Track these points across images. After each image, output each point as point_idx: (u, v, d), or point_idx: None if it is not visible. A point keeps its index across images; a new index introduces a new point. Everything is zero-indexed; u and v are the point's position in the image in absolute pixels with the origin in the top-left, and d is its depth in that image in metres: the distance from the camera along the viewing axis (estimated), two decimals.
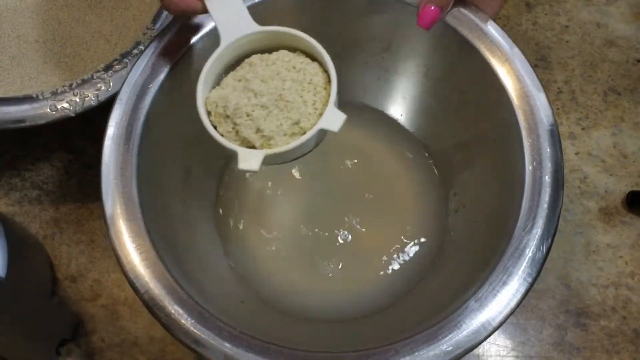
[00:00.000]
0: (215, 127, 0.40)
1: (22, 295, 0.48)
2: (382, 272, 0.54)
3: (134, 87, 0.45)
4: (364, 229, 0.56)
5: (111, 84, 0.52)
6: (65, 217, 0.59)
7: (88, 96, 0.51)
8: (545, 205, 0.42)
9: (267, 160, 0.39)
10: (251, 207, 0.57)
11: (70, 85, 0.52)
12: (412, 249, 0.55)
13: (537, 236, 0.42)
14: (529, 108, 0.44)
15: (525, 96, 0.44)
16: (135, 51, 0.52)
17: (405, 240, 0.55)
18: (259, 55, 0.41)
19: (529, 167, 0.43)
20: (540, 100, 0.44)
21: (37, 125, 0.51)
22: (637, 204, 0.60)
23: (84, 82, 0.52)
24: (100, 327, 0.56)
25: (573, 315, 0.57)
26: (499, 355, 0.56)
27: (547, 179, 0.43)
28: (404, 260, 0.55)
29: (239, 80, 0.41)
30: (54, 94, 0.52)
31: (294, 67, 0.40)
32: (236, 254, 0.55)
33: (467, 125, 0.52)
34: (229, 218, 0.56)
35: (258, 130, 0.39)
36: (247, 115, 0.39)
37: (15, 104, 0.52)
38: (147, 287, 0.40)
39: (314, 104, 0.39)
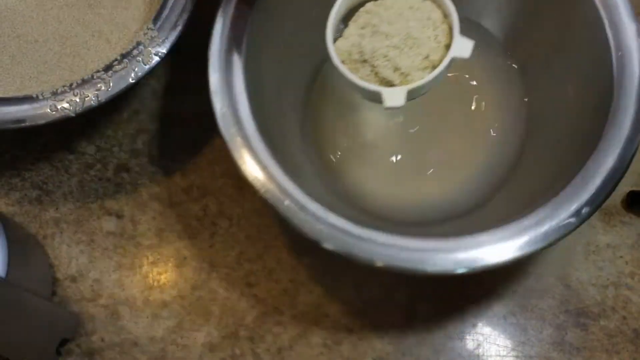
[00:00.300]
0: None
1: (22, 295, 0.48)
2: (469, 174, 0.57)
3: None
4: (449, 135, 0.58)
5: (111, 84, 0.52)
6: (65, 217, 0.59)
7: (88, 96, 0.51)
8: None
9: (409, 96, 0.42)
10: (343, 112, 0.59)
11: (70, 85, 0.52)
12: (496, 151, 0.57)
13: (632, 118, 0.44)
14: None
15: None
16: (135, 51, 0.52)
17: (488, 145, 0.57)
18: (372, 2, 0.45)
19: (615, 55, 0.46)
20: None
21: (37, 125, 0.51)
22: (637, 204, 0.60)
23: (84, 82, 0.52)
24: (100, 327, 0.56)
25: (573, 315, 0.57)
26: (499, 355, 0.56)
27: (636, 69, 0.46)
28: (489, 163, 0.57)
29: (363, 28, 0.44)
30: (54, 94, 0.52)
31: (411, 7, 0.43)
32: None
33: (550, 26, 0.54)
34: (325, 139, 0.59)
35: (396, 69, 0.43)
36: (384, 57, 0.42)
37: (15, 104, 0.52)
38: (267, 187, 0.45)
39: (436, 38, 0.43)
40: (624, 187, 0.61)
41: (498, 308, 0.57)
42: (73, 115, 0.51)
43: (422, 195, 0.57)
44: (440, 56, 0.43)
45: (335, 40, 0.44)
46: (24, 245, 0.55)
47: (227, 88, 0.48)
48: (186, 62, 0.65)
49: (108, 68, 0.52)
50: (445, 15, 0.44)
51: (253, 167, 0.46)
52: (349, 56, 0.44)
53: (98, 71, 0.52)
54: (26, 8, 0.58)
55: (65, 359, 0.55)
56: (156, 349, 0.55)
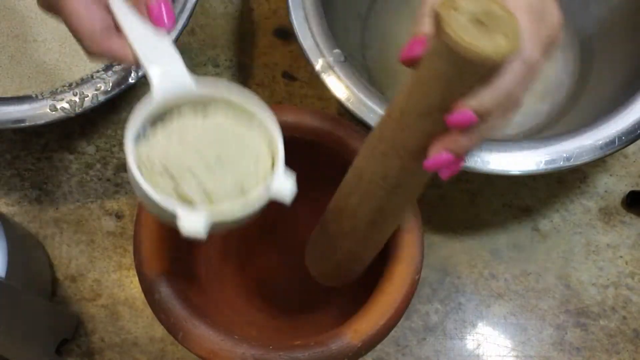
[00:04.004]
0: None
1: (22, 295, 0.48)
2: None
3: None
4: None
5: (111, 84, 0.52)
6: (65, 217, 0.59)
7: (88, 96, 0.51)
8: None
9: (213, 227, 0.34)
10: None
11: (70, 85, 0.52)
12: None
13: None
14: None
15: None
16: None
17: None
18: (192, 108, 0.37)
19: None
20: None
21: (37, 125, 0.51)
22: (637, 204, 0.60)
23: (83, 82, 0.52)
24: (100, 327, 0.56)
25: (573, 315, 0.57)
26: (499, 355, 0.56)
27: None
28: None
29: (170, 134, 0.36)
30: (54, 93, 0.51)
31: (233, 133, 0.37)
32: None
33: None
34: None
35: (202, 189, 0.35)
36: (190, 172, 0.35)
37: (14, 104, 0.51)
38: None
39: (255, 165, 0.36)
40: (624, 187, 0.61)
41: (498, 308, 0.57)
42: (73, 115, 0.51)
43: None
44: (256, 186, 0.36)
45: (137, 141, 0.36)
46: (24, 245, 0.55)
47: None
48: (186, 61, 0.65)
49: (108, 68, 0.52)
50: (273, 146, 0.37)
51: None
52: (151, 165, 0.35)
53: (98, 71, 0.52)
54: (25, 8, 0.58)
55: (65, 359, 0.55)
56: (156, 349, 0.55)
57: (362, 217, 0.40)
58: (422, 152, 0.34)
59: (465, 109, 0.31)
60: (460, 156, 0.33)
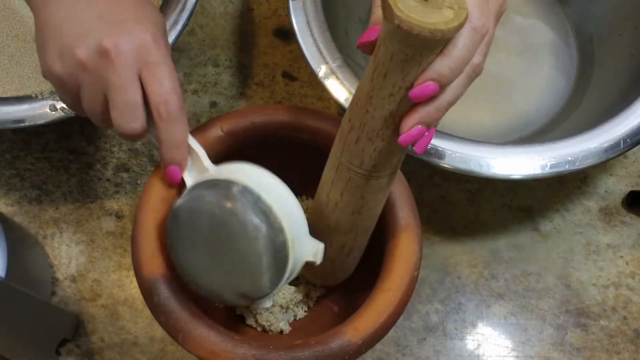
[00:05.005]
0: None
1: (22, 295, 0.48)
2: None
3: None
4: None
5: None
6: (65, 217, 0.59)
7: None
8: None
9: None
10: None
11: None
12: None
13: None
14: None
15: None
16: None
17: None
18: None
19: None
20: None
21: (37, 125, 0.51)
22: (637, 204, 0.60)
23: None
24: (100, 327, 0.56)
25: (573, 315, 0.57)
26: (499, 355, 0.56)
27: None
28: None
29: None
30: (54, 93, 0.51)
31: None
32: None
33: None
34: None
35: None
36: None
37: (14, 104, 0.51)
38: None
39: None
40: (624, 187, 0.61)
41: (498, 308, 0.57)
42: (73, 115, 0.51)
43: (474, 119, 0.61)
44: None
45: None
46: (24, 245, 0.55)
47: None
48: (186, 61, 0.65)
49: None
50: None
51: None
52: None
53: None
54: (25, 8, 0.58)
55: (65, 359, 0.55)
56: (156, 349, 0.55)
57: (344, 208, 0.41)
58: (392, 132, 0.36)
59: (425, 81, 0.34)
60: (430, 126, 0.36)
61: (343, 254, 0.45)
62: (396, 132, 0.36)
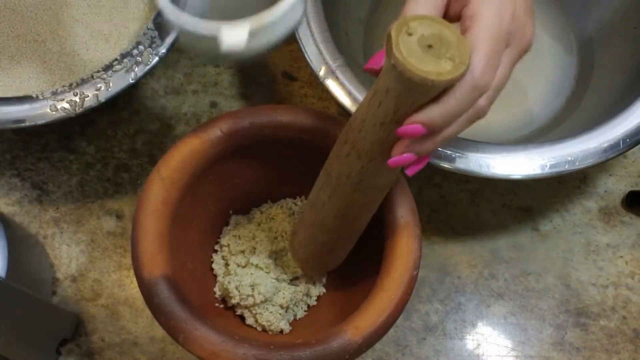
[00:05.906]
0: None
1: (22, 295, 0.48)
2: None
3: None
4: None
5: (111, 84, 0.52)
6: (65, 217, 0.59)
7: (88, 96, 0.51)
8: None
9: (252, 37, 0.36)
10: None
11: (70, 85, 0.52)
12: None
13: None
14: None
15: None
16: (135, 51, 0.52)
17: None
18: None
19: None
20: None
21: (37, 125, 0.51)
22: (637, 204, 0.60)
23: (83, 82, 0.52)
24: (100, 327, 0.56)
25: (573, 315, 0.57)
26: (499, 355, 0.56)
27: None
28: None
29: None
30: (54, 94, 0.52)
31: None
32: None
33: None
34: None
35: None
36: None
37: (15, 104, 0.51)
38: None
39: None
40: (624, 187, 0.62)
41: (498, 308, 0.57)
42: (73, 115, 0.51)
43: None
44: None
45: None
46: (24, 245, 0.55)
47: None
48: (186, 61, 0.65)
49: (108, 68, 0.52)
50: None
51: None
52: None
53: (98, 71, 0.52)
54: (25, 7, 0.58)
55: (65, 359, 0.55)
56: (156, 349, 0.55)
57: (330, 210, 0.43)
58: (379, 155, 0.38)
59: (414, 123, 0.35)
60: (419, 157, 0.37)
61: (324, 251, 0.47)
62: (385, 155, 0.37)
